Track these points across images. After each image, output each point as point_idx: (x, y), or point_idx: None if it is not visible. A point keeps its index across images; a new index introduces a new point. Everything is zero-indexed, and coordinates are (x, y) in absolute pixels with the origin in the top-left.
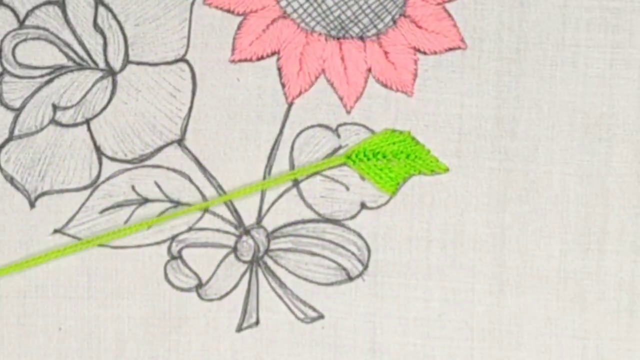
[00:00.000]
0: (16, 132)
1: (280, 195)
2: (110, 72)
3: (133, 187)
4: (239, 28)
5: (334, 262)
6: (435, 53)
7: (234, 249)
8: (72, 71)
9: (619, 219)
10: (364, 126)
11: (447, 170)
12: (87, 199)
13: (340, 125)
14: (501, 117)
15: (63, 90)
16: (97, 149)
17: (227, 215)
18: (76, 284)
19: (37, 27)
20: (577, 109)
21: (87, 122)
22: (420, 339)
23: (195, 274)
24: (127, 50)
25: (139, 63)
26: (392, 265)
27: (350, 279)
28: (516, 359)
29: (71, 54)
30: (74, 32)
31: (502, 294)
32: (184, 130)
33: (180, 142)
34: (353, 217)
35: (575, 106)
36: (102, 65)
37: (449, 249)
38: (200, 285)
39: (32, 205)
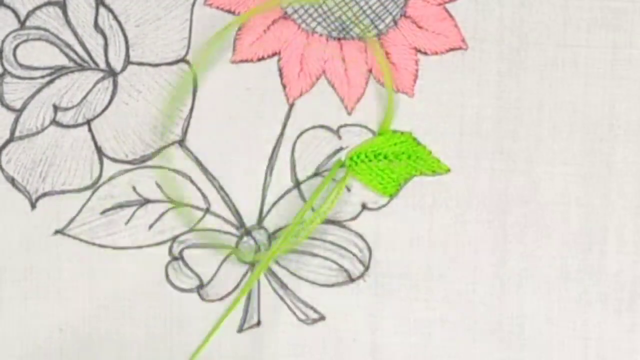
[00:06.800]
0: (17, 133)
1: (281, 196)
2: (111, 73)
3: (134, 188)
4: (239, 29)
5: (335, 263)
6: (436, 53)
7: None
8: (72, 72)
9: (620, 219)
10: (365, 127)
11: (448, 170)
12: (88, 200)
13: (341, 126)
14: (502, 118)
15: (64, 91)
16: (98, 149)
17: (228, 216)
18: (77, 284)
19: (38, 28)
20: (578, 110)
21: (88, 122)
22: (422, 340)
23: (197, 274)
24: (127, 51)
25: (139, 64)
26: (394, 266)
27: (352, 280)
28: None
29: (72, 54)
30: (74, 32)
31: (503, 295)
32: (184, 131)
33: (181, 142)
34: (354, 218)
35: (576, 106)
36: (102, 65)
37: (450, 250)
38: (201, 286)
39: (33, 206)
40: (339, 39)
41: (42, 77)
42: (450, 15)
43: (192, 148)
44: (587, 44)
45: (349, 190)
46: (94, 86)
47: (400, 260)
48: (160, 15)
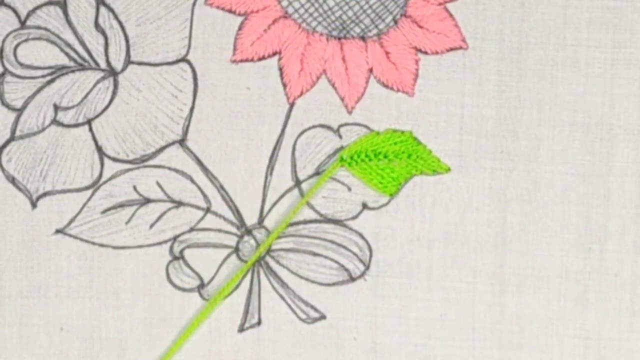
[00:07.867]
0: (18, 133)
1: (282, 196)
2: (112, 73)
3: (135, 188)
4: (240, 28)
5: (336, 262)
6: (437, 53)
7: (236, 249)
8: (73, 71)
9: (620, 219)
10: (366, 126)
11: (448, 170)
12: (89, 199)
13: (341, 125)
14: (502, 117)
15: (64, 91)
16: (99, 149)
17: (229, 215)
18: (78, 284)
19: (39, 27)
20: (578, 109)
21: (89, 122)
22: (422, 339)
23: (197, 274)
24: (128, 51)
25: (140, 63)
26: (394, 266)
27: (352, 279)
28: (517, 359)
29: (72, 54)
30: (75, 32)
31: (503, 294)
32: (185, 131)
33: (182, 142)
34: (355, 217)
35: (577, 106)
36: (103, 65)
37: (450, 249)
38: (202, 286)
39: (33, 205)
40: (340, 39)
41: (43, 76)
42: (451, 15)
43: (193, 147)
44: (587, 44)
45: (349, 189)
46: (94, 86)
47: (400, 259)
48: (160, 14)
